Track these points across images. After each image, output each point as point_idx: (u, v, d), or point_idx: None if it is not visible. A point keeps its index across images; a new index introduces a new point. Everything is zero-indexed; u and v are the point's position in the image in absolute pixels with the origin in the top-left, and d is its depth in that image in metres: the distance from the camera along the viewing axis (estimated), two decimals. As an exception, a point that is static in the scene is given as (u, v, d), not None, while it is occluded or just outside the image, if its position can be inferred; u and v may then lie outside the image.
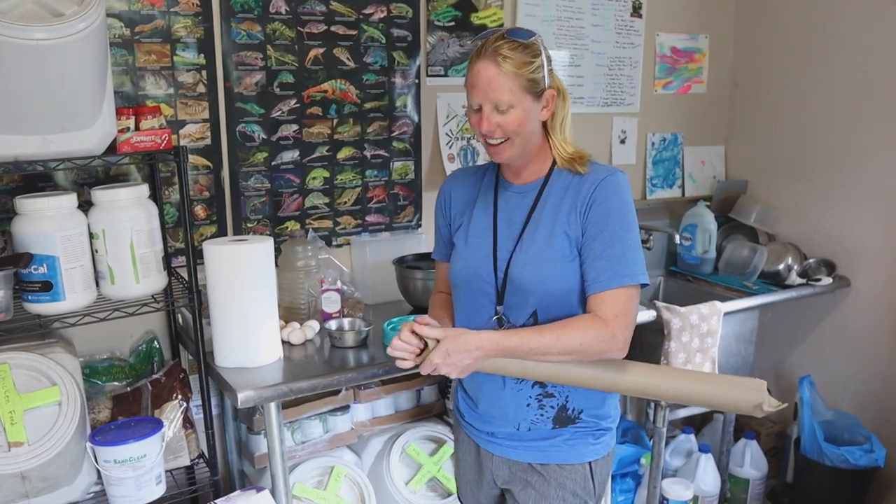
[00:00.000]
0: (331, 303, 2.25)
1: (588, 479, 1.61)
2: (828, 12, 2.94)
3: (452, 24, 2.61)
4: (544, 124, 1.55)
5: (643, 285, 1.49)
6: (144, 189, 1.85)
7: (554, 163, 1.57)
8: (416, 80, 2.57)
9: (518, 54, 1.43)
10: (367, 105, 2.50)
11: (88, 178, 2.07)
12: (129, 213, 1.80)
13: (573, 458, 1.60)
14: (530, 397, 1.58)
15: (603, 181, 1.50)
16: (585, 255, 1.49)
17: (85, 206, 1.82)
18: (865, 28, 2.82)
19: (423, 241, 2.64)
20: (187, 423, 2.05)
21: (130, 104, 2.09)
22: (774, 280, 2.94)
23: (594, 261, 1.48)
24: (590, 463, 1.61)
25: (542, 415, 1.59)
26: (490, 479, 1.71)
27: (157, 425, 1.89)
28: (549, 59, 1.49)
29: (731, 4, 3.29)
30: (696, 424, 3.22)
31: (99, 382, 2.14)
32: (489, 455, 1.68)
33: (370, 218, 2.59)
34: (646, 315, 2.46)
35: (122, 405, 2.07)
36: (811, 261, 3.03)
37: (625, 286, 1.46)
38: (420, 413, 2.52)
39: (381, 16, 2.46)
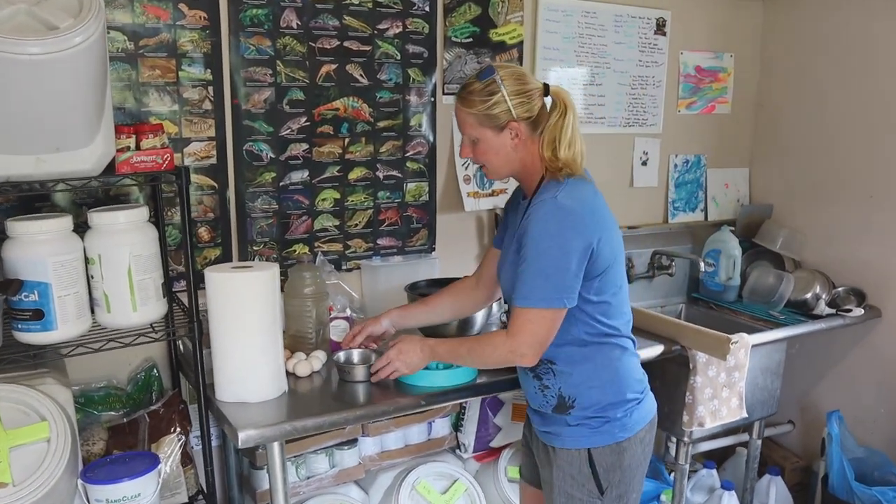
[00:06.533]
0: (339, 332, 2.14)
1: (584, 464, 1.73)
2: (859, 30, 2.83)
3: (470, 40, 2.51)
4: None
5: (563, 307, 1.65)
6: (144, 212, 1.75)
7: (543, 177, 1.72)
8: (432, 98, 2.47)
9: (477, 94, 1.66)
10: (381, 124, 2.40)
11: (88, 198, 1.98)
12: (128, 237, 1.69)
13: (570, 444, 1.75)
14: (534, 387, 1.80)
15: (537, 203, 1.65)
16: None
17: (83, 226, 1.71)
18: (900, 48, 2.71)
19: (436, 265, 2.53)
20: (186, 457, 1.95)
21: (133, 121, 2.00)
22: (801, 309, 2.82)
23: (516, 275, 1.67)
24: (589, 449, 1.73)
25: (546, 402, 1.78)
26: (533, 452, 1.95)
27: (154, 462, 1.78)
28: (515, 93, 1.65)
29: (758, 22, 3.19)
30: (716, 458, 3.09)
31: (94, 412, 2.04)
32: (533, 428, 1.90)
33: (382, 241, 2.49)
34: (660, 348, 2.33)
35: (117, 437, 1.97)
36: (840, 289, 2.90)
37: (524, 307, 1.63)
38: (431, 447, 2.41)
39: (397, 31, 2.37)
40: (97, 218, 1.69)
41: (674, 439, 2.59)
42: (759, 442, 2.83)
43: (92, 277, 1.70)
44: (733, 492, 2.78)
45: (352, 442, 2.25)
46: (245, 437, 1.64)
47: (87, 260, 1.69)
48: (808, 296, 2.85)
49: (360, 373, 1.93)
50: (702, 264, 2.85)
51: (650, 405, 1.83)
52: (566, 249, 1.59)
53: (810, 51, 3.02)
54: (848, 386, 3.01)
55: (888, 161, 2.79)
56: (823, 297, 2.83)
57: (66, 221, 1.65)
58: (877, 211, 2.85)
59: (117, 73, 1.98)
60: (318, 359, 2.02)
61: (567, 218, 1.60)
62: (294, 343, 2.09)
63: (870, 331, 2.90)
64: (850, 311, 2.79)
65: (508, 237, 1.81)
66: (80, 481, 1.69)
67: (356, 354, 2.03)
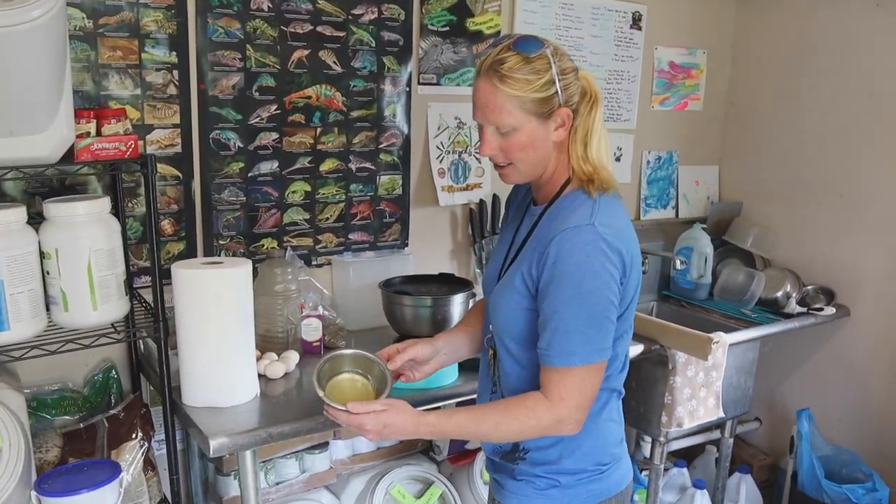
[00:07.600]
0: (311, 330, 2.04)
1: None
2: (830, 29, 2.83)
3: (447, 29, 2.43)
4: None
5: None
6: (106, 203, 1.62)
7: (568, 181, 1.40)
8: (407, 88, 2.38)
9: (520, 71, 1.29)
10: (354, 113, 2.30)
11: (41, 187, 1.84)
12: (88, 230, 1.56)
13: (510, 500, 1.48)
14: None
15: (561, 233, 1.30)
16: (540, 311, 1.34)
17: (36, 218, 1.58)
18: (873, 48, 2.71)
19: (410, 261, 2.44)
20: (148, 464, 1.83)
21: (91, 105, 1.87)
22: (772, 308, 2.82)
23: (543, 326, 1.33)
24: None
25: (498, 444, 1.49)
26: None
27: (115, 471, 1.65)
28: (564, 71, 1.32)
29: (730, 19, 3.17)
30: (685, 456, 3.08)
31: (47, 417, 1.90)
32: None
33: (353, 236, 2.39)
34: (639, 347, 2.28)
35: (74, 443, 1.84)
36: (809, 288, 2.91)
37: (572, 366, 1.30)
38: (404, 449, 2.33)
39: (372, 17, 2.27)
40: (54, 209, 1.55)
41: (647, 438, 2.56)
42: (731, 440, 2.82)
43: (48, 273, 1.57)
44: (705, 490, 2.77)
45: (322, 445, 2.16)
46: (217, 445, 1.54)
47: (42, 254, 1.56)
48: (779, 294, 2.84)
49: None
50: (677, 262, 2.82)
51: (619, 478, 1.49)
52: (612, 289, 1.30)
53: (782, 49, 3.02)
54: (815, 384, 3.02)
55: (858, 161, 2.80)
56: (794, 295, 2.83)
57: (20, 212, 1.51)
58: (846, 210, 2.86)
59: (75, 52, 1.85)
60: (291, 359, 1.92)
61: (609, 253, 1.29)
62: (264, 343, 1.98)
63: (837, 330, 2.91)
64: (821, 309, 2.79)
65: (503, 243, 1.52)
66: (33, 493, 1.56)
67: (348, 357, 1.54)
